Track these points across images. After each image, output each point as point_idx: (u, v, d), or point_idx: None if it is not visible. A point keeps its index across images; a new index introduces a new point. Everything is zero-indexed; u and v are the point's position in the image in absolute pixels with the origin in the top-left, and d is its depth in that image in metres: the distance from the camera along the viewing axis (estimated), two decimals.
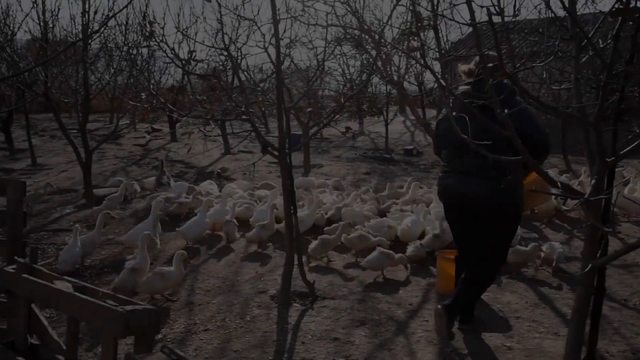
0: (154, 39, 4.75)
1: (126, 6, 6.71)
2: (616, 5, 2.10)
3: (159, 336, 4.55)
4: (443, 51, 10.44)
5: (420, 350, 4.36)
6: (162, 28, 5.88)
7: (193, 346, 4.46)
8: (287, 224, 5.29)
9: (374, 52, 8.78)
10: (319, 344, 4.47)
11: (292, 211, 5.22)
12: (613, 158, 2.56)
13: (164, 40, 5.80)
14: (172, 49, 6.31)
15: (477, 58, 4.15)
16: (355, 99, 18.87)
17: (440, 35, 11.07)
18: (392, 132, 19.37)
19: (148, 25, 5.85)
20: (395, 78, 12.83)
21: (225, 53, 5.16)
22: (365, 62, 12.96)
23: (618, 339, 4.52)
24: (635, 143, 2.58)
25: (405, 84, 13.90)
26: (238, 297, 5.41)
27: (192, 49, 15.00)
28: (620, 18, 2.16)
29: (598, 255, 2.54)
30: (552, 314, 5.05)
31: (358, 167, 13.81)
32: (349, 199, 8.47)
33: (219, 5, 4.76)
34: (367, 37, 9.04)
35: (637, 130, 2.34)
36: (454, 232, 4.70)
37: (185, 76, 15.37)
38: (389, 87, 16.41)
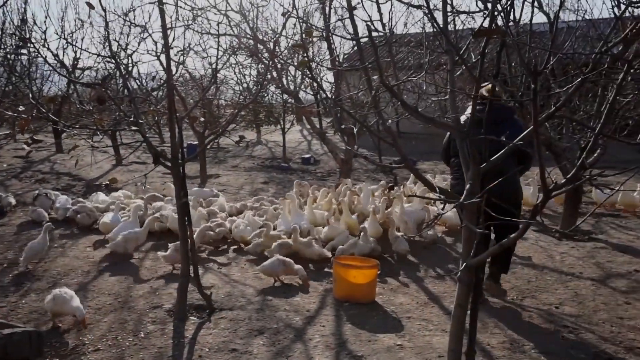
0: (29, 45, 4.48)
1: (1, 6, 6.25)
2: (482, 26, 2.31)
3: None
4: (336, 62, 10.75)
5: (318, 355, 4.45)
6: (44, 33, 5.58)
7: None
8: (181, 236, 5.18)
9: (270, 63, 8.87)
10: (216, 356, 4.42)
11: (186, 222, 5.12)
12: (484, 164, 2.79)
13: (47, 46, 5.50)
14: (56, 56, 5.99)
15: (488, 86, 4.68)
16: (252, 108, 18.87)
17: (333, 46, 11.42)
18: (290, 141, 19.57)
19: (25, 29, 5.51)
20: (292, 88, 13.03)
21: (113, 61, 4.98)
22: (261, 71, 13.03)
23: (498, 332, 4.87)
24: (504, 149, 2.83)
25: (302, 94, 14.12)
26: (131, 314, 5.22)
27: (77, 56, 14.32)
28: (486, 38, 2.37)
29: (472, 254, 2.75)
30: (441, 312, 5.35)
31: (256, 176, 13.79)
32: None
33: (104, 10, 4.60)
34: (261, 46, 9.13)
35: (504, 139, 2.57)
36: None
37: (71, 85, 14.62)
38: (285, 96, 16.59)
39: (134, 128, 4.75)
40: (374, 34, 2.49)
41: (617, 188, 2.74)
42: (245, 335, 4.80)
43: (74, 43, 13.79)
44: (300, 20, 7.43)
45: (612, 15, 4.36)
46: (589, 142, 2.72)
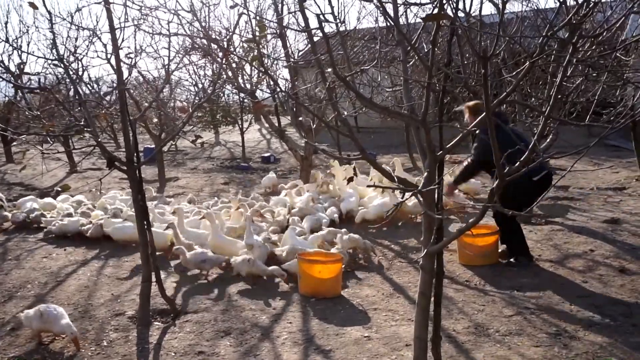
0: None
1: None
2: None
3: None
4: (291, 58, 10.69)
5: (286, 352, 4.43)
6: None
7: None
8: (141, 240, 5.07)
9: (223, 61, 8.77)
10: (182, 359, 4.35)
11: (145, 227, 5.01)
12: (441, 152, 2.82)
13: None
14: (1, 62, 5.79)
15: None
16: (209, 109, 18.63)
17: (288, 43, 11.37)
18: (249, 140, 19.42)
19: None
20: (249, 87, 12.91)
21: (60, 65, 4.82)
22: (215, 71, 12.85)
23: (462, 317, 4.95)
24: (459, 137, 2.87)
25: (259, 92, 14.00)
26: (93, 323, 5.08)
27: (24, 60, 13.83)
28: (436, 25, 2.40)
29: (432, 241, 2.78)
30: (406, 302, 5.40)
31: (216, 177, 13.64)
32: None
33: (49, 12, 4.45)
34: (215, 45, 9.01)
35: (458, 126, 2.60)
36: None
37: (19, 91, 14.14)
38: (242, 95, 16.43)
39: (86, 133, 4.61)
40: (325, 26, 2.48)
41: (568, 169, 2.80)
42: (212, 337, 4.74)
43: (19, 48, 13.37)
44: (252, 15, 7.38)
45: (557, 3, 4.47)
46: (540, 126, 2.78)
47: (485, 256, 6.28)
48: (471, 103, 5.96)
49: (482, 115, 2.57)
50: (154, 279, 5.11)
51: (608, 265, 6.08)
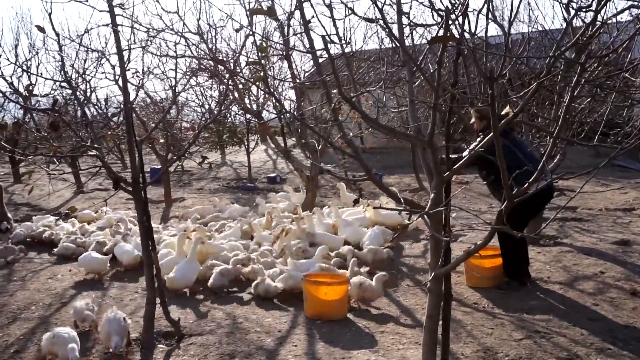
0: None
1: None
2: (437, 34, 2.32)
3: None
4: (297, 79, 10.75)
5: None
6: None
7: None
8: (146, 261, 5.04)
9: (229, 82, 8.82)
10: None
11: (150, 248, 4.98)
12: (448, 173, 2.79)
13: (0, 73, 5.35)
14: (10, 84, 5.85)
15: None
16: (216, 129, 18.72)
17: (293, 64, 11.44)
18: (255, 160, 19.45)
19: None
20: (255, 107, 12.98)
21: (68, 86, 4.86)
22: (222, 92, 12.93)
23: (471, 341, 4.86)
24: (465, 158, 2.84)
25: (265, 113, 14.05)
26: (96, 345, 5.03)
27: (33, 82, 13.99)
28: (442, 46, 2.39)
29: (440, 263, 2.73)
30: (414, 325, 5.32)
31: (221, 198, 13.62)
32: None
33: (57, 35, 4.49)
34: (221, 67, 9.08)
35: (464, 146, 2.58)
36: None
37: (27, 112, 14.27)
38: (248, 116, 16.51)
39: (92, 153, 4.62)
40: (331, 47, 2.48)
41: (577, 191, 2.76)
42: None
43: (29, 70, 13.53)
44: (258, 38, 7.44)
45: (563, 24, 4.47)
46: (549, 147, 2.75)
47: (493, 278, 6.20)
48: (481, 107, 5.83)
49: (490, 136, 2.55)
50: (158, 301, 5.07)
51: (619, 288, 5.98)
